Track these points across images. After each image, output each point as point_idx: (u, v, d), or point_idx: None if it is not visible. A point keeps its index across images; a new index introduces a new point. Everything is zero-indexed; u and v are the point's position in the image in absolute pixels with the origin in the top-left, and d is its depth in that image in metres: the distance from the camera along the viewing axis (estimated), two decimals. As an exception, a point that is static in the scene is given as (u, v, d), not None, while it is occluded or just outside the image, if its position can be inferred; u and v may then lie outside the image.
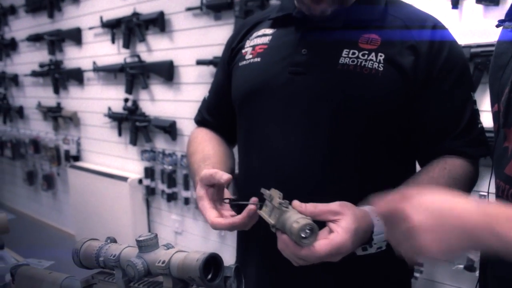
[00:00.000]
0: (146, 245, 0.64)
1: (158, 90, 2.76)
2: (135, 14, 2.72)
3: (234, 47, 1.04)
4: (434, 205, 0.58)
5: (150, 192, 2.92)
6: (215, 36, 2.35)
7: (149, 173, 2.89)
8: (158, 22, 2.60)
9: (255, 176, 0.91)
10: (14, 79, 4.09)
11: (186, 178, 2.65)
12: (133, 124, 2.88)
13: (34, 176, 4.12)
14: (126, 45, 2.82)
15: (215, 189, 0.83)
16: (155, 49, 2.72)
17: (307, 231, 0.66)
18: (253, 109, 0.94)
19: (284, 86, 0.89)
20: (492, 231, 0.53)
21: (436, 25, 0.90)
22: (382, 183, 0.79)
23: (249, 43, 0.99)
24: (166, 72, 2.60)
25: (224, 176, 0.80)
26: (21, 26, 3.90)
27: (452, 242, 0.56)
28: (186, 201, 2.67)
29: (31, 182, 4.14)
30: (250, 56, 0.96)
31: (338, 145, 0.86)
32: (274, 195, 0.72)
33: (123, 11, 2.82)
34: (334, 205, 0.72)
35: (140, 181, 2.94)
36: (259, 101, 0.93)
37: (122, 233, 2.89)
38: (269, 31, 0.98)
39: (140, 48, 2.80)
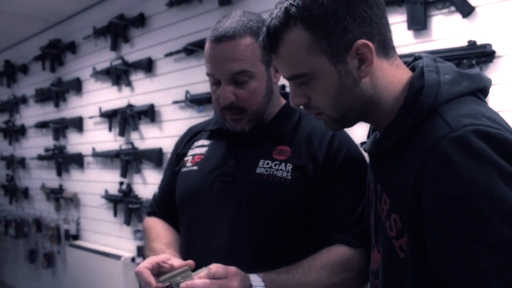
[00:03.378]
0: None
1: (149, 174, 2.98)
2: (129, 106, 3.01)
3: (179, 152, 1.24)
4: None
5: (142, 270, 3.04)
6: (198, 127, 2.61)
7: (141, 251, 3.03)
8: (149, 113, 2.87)
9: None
10: (22, 162, 4.37)
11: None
12: (127, 205, 3.08)
13: (35, 254, 4.25)
14: (121, 133, 3.09)
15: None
16: (147, 137, 2.98)
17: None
18: (191, 209, 1.13)
19: (216, 192, 1.08)
20: None
21: (335, 134, 1.06)
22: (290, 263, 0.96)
23: (190, 152, 1.19)
24: (156, 158, 2.84)
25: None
26: (30, 114, 4.24)
27: None
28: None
29: (32, 260, 4.26)
30: (190, 164, 1.16)
31: (256, 238, 1.03)
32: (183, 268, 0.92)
33: (119, 103, 3.13)
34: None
35: (133, 260, 3.09)
36: (195, 204, 1.11)
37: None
38: (206, 142, 1.18)
39: (134, 136, 3.07)
